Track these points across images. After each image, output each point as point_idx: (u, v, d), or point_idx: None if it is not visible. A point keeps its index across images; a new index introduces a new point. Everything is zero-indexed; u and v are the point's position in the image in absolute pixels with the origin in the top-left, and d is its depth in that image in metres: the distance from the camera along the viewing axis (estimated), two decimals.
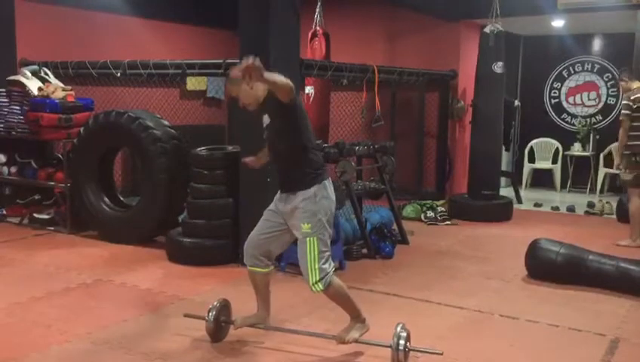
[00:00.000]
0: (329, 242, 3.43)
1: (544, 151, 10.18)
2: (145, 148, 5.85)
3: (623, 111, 6.25)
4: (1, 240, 6.09)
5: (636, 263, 4.90)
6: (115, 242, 5.99)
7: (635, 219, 6.29)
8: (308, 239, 3.34)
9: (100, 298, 4.56)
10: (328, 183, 3.47)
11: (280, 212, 3.49)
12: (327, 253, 3.39)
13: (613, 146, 9.25)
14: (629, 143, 6.18)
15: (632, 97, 6.19)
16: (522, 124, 10.16)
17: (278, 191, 3.53)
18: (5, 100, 6.73)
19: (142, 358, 3.50)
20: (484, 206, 7.60)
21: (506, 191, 8.82)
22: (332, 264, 3.43)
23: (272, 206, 3.57)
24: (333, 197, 3.49)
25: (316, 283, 3.35)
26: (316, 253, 3.33)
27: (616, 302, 4.64)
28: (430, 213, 7.43)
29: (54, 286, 4.71)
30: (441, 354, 3.38)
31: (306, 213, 3.34)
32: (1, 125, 6.78)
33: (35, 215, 6.74)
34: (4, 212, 6.97)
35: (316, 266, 3.34)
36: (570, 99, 10.24)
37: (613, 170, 7.91)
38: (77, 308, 4.32)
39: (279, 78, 3.19)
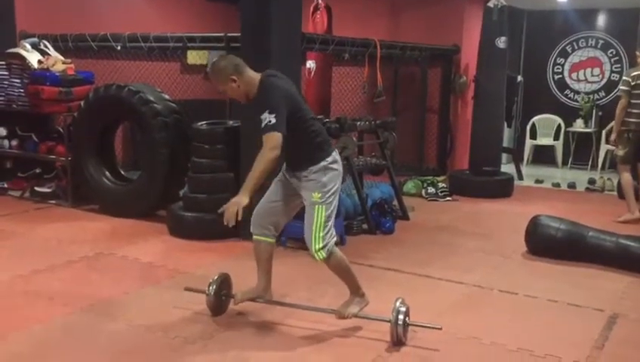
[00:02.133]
0: (334, 214, 3.46)
1: (546, 127, 10.14)
2: (146, 122, 5.84)
3: (620, 87, 6.36)
4: (3, 213, 6.11)
5: (636, 239, 4.91)
6: (116, 216, 6.00)
7: (628, 192, 6.39)
8: (317, 207, 3.37)
9: (101, 271, 4.59)
10: (336, 155, 3.51)
11: (289, 180, 3.52)
12: (331, 224, 3.42)
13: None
14: (624, 119, 6.25)
15: (632, 74, 6.22)
16: (525, 100, 10.12)
17: (285, 164, 3.55)
18: (5, 73, 6.68)
19: (143, 331, 3.53)
20: (485, 182, 7.60)
21: (507, 168, 8.81)
22: (334, 235, 3.46)
23: (280, 175, 3.60)
24: (341, 169, 3.53)
25: (319, 250, 3.38)
26: (322, 221, 3.37)
27: (616, 278, 4.66)
28: (431, 189, 7.43)
29: (56, 259, 4.74)
30: (440, 328, 3.40)
31: (318, 184, 3.39)
32: (2, 98, 6.75)
33: (37, 188, 6.75)
34: (6, 185, 6.98)
35: (320, 234, 3.37)
36: (574, 75, 10.18)
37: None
38: (79, 280, 4.35)
39: (261, 169, 3.21)
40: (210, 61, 9.15)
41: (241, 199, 3.23)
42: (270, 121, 3.19)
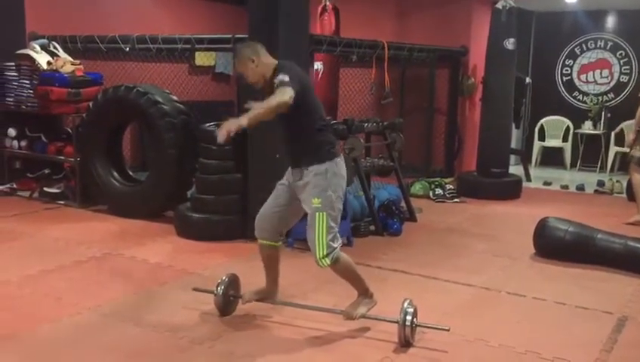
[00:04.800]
0: (338, 219, 3.44)
1: (555, 129, 10.11)
2: (154, 123, 5.86)
3: None
4: (12, 213, 6.14)
5: None
6: (124, 216, 6.02)
7: (639, 194, 6.33)
8: (317, 214, 3.35)
9: (109, 271, 4.60)
10: (340, 160, 3.48)
11: (291, 185, 3.50)
12: (336, 229, 3.40)
13: (625, 124, 9.19)
14: None
15: None
16: (533, 101, 10.09)
17: (290, 167, 3.54)
18: (15, 74, 6.73)
19: (151, 331, 3.54)
20: (493, 184, 7.58)
21: (516, 169, 8.79)
22: (339, 240, 3.45)
23: (283, 180, 3.58)
24: (345, 175, 3.50)
25: (323, 257, 3.36)
26: (325, 228, 3.34)
27: (624, 281, 4.64)
28: (439, 191, 7.42)
29: (65, 260, 4.76)
30: (448, 329, 3.39)
31: (317, 188, 3.36)
32: (11, 99, 6.79)
33: (45, 189, 6.78)
34: (15, 186, 7.02)
35: (324, 241, 3.35)
36: (583, 77, 10.14)
37: (624, 149, 7.86)
38: (87, 281, 4.37)
39: (271, 105, 3.15)
40: (218, 62, 9.24)
41: (240, 120, 3.15)
42: (284, 80, 3.20)
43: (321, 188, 3.35)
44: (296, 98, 3.19)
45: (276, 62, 3.45)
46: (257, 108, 3.17)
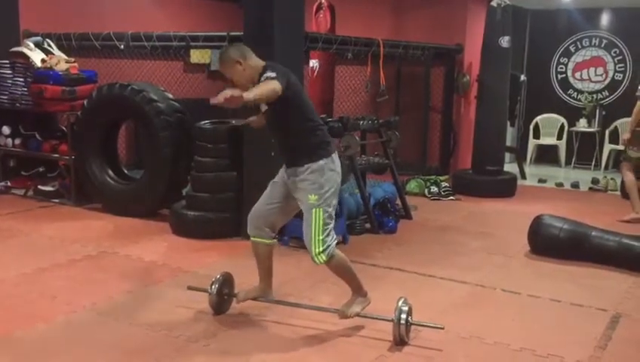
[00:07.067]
0: (333, 215, 3.45)
1: (549, 126, 10.13)
2: (149, 122, 5.84)
3: None
4: (7, 212, 6.12)
5: (639, 239, 4.90)
6: (119, 215, 6.01)
7: (632, 192, 6.38)
8: (314, 210, 3.35)
9: (104, 270, 4.59)
10: (335, 157, 3.49)
11: (286, 183, 3.50)
12: (331, 226, 3.41)
13: (620, 122, 9.23)
14: None
15: None
16: (528, 99, 10.11)
17: (284, 165, 3.54)
18: (9, 72, 6.70)
19: (146, 329, 3.54)
20: (488, 181, 7.59)
21: (511, 167, 8.80)
22: (335, 237, 3.45)
23: (277, 177, 3.58)
24: (340, 171, 3.51)
25: (319, 253, 3.36)
26: (321, 224, 3.35)
27: (619, 278, 4.66)
28: (434, 189, 7.43)
29: (59, 258, 4.75)
30: (443, 328, 3.40)
31: (314, 185, 3.36)
32: (5, 97, 6.77)
33: (40, 187, 6.77)
34: (9, 184, 6.99)
35: (320, 237, 3.35)
36: (577, 75, 10.16)
37: (619, 147, 7.88)
38: (82, 279, 4.36)
39: (261, 91, 3.13)
40: (213, 60, 9.20)
41: (242, 93, 3.07)
42: (270, 75, 3.18)
43: (318, 185, 3.35)
44: (285, 93, 3.17)
45: (264, 63, 3.41)
46: (252, 91, 3.12)
